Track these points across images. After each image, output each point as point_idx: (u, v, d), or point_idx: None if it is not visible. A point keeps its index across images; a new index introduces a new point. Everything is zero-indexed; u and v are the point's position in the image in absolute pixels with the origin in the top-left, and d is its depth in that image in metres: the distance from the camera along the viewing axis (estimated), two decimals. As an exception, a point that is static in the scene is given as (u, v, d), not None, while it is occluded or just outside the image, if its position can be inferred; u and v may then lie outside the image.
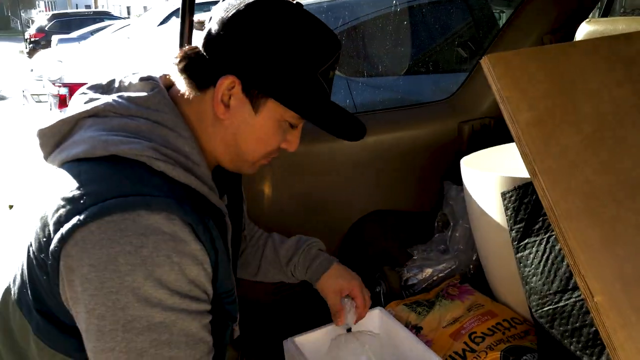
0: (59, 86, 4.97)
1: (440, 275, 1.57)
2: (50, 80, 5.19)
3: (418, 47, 2.93)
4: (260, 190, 1.41)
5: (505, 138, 1.74)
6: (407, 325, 1.39)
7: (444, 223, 1.67)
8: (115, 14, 17.26)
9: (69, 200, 0.73)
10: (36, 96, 7.13)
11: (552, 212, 0.84)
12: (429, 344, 1.29)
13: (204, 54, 0.84)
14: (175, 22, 7.09)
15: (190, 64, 0.84)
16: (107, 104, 0.82)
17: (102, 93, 0.87)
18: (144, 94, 0.84)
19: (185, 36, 1.35)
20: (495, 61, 0.91)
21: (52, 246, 0.71)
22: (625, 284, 0.82)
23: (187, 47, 0.87)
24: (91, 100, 0.84)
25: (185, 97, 0.86)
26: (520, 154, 0.88)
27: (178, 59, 0.85)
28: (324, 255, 1.24)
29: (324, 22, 0.87)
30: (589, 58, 0.95)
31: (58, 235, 0.71)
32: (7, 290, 0.83)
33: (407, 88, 2.80)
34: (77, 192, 0.73)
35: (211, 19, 0.85)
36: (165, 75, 0.91)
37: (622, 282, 0.82)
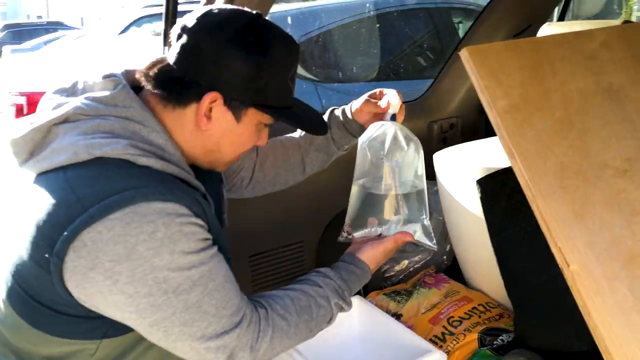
0: (15, 95, 4.82)
1: (416, 266, 1.63)
2: (6, 90, 5.02)
3: (384, 55, 3.03)
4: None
5: (472, 136, 1.84)
6: (387, 313, 1.43)
7: (418, 217, 1.73)
8: (68, 24, 16.84)
9: (65, 205, 0.77)
10: (-10, 106, 6.89)
11: (529, 190, 0.91)
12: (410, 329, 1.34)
13: (178, 70, 0.86)
14: (135, 31, 7.02)
15: (166, 82, 0.87)
16: (76, 108, 0.84)
17: (68, 96, 0.89)
18: (108, 92, 0.86)
19: (168, 43, 1.36)
20: (473, 53, 0.98)
21: (56, 247, 0.75)
22: (596, 254, 0.89)
23: (156, 60, 0.89)
24: (59, 105, 0.86)
25: (161, 107, 0.89)
26: (499, 137, 0.94)
27: (152, 76, 0.87)
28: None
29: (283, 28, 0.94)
30: (557, 52, 1.03)
31: (62, 237, 0.75)
32: None
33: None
34: (71, 197, 0.77)
35: (181, 35, 0.87)
36: (127, 71, 0.93)
37: (594, 253, 0.89)
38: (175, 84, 0.87)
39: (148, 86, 0.88)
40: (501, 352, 1.25)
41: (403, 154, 1.05)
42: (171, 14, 1.36)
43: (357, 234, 1.07)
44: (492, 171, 1.27)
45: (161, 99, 0.88)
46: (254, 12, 0.91)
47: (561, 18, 2.10)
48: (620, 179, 0.96)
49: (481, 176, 1.29)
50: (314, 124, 1.03)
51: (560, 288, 1.08)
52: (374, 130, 1.08)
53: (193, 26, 0.86)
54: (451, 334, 1.33)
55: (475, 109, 2.02)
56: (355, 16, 2.96)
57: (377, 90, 1.17)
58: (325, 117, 1.21)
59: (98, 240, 0.75)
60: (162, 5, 1.38)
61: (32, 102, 4.65)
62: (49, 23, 15.00)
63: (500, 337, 1.29)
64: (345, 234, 1.09)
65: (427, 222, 1.07)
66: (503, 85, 0.97)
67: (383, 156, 1.04)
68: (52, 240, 0.76)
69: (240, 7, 0.92)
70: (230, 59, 0.85)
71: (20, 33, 12.91)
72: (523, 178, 0.92)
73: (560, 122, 0.97)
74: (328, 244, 1.78)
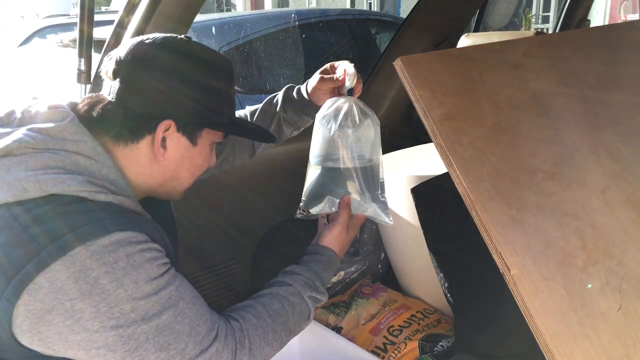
0: None
1: (353, 276, 1.62)
2: None
3: (308, 65, 3.03)
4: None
5: (399, 144, 1.87)
6: (327, 326, 1.41)
7: (352, 227, 1.73)
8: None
9: (16, 245, 0.71)
10: None
11: (468, 197, 0.92)
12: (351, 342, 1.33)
13: (124, 106, 0.84)
14: (39, 43, 6.58)
15: (115, 120, 0.84)
16: (20, 141, 0.77)
17: (3, 126, 0.82)
18: (55, 124, 0.81)
19: (84, 55, 1.27)
20: (407, 63, 0.98)
21: (7, 290, 0.70)
22: (533, 257, 0.92)
23: (93, 101, 0.86)
24: None
25: (111, 144, 0.86)
26: (436, 145, 0.95)
27: (97, 117, 0.84)
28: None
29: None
30: (484, 61, 1.06)
31: (15, 279, 0.70)
32: None
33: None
34: (23, 235, 0.71)
35: (118, 70, 0.85)
36: (72, 103, 0.89)
37: (531, 256, 0.92)
38: (124, 120, 0.84)
39: (95, 127, 0.84)
40: (442, 358, 1.26)
41: (359, 127, 1.04)
42: (87, 26, 1.27)
43: (313, 210, 1.06)
44: (426, 179, 1.28)
45: (111, 137, 0.85)
46: (183, 36, 0.92)
47: (476, 29, 2.20)
48: (550, 182, 1.00)
49: (414, 184, 1.30)
50: (263, 134, 1.04)
51: (498, 291, 1.11)
52: (329, 105, 1.07)
53: (129, 59, 0.84)
54: (392, 343, 1.33)
55: (400, 118, 2.06)
56: (277, 26, 2.94)
57: (327, 65, 1.15)
58: (280, 96, 1.20)
59: (56, 280, 0.70)
60: (66, 15, 1.29)
61: None
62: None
63: (440, 343, 1.30)
64: (300, 211, 1.08)
65: (382, 197, 1.07)
66: (437, 94, 0.98)
67: (338, 130, 1.03)
68: (2, 284, 0.70)
69: (171, 34, 0.91)
70: (177, 84, 0.85)
71: None
72: (461, 185, 0.93)
73: (493, 129, 1.00)
74: (263, 259, 1.73)
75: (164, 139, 0.86)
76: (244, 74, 2.82)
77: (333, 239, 1.03)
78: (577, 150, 1.08)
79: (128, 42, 0.88)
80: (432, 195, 1.23)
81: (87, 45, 1.24)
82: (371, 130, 1.07)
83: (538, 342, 0.88)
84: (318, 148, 1.07)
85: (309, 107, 1.17)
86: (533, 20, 9.09)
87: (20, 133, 0.78)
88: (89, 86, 1.29)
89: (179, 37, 0.91)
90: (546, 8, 9.52)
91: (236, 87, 2.77)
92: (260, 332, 0.87)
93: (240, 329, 0.85)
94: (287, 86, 1.21)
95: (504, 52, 1.11)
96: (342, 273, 1.62)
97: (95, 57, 1.30)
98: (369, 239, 1.65)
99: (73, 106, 0.88)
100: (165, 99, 0.84)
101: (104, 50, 1.28)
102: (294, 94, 1.18)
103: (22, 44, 6.67)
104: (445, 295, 1.22)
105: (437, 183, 1.24)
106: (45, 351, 0.73)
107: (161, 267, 0.78)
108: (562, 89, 1.13)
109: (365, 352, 1.23)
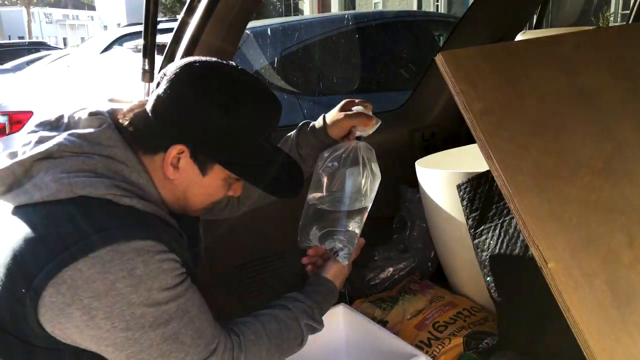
0: (-3, 115, 4.78)
1: (401, 273, 1.63)
2: (-13, 110, 4.97)
3: (365, 67, 3.06)
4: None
5: (454, 143, 1.86)
6: (373, 320, 1.43)
7: (402, 224, 1.74)
8: (51, 45, 16.76)
9: (46, 241, 0.78)
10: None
11: (507, 189, 0.92)
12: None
13: (151, 118, 0.88)
14: (118, 50, 7.02)
15: (139, 130, 0.89)
16: (60, 144, 0.85)
17: (51, 130, 0.90)
18: (92, 130, 0.88)
19: (148, 55, 1.37)
20: (448, 58, 1.00)
21: (35, 282, 0.76)
22: (573, 251, 0.91)
23: (136, 104, 0.92)
24: (42, 139, 0.87)
25: (136, 147, 0.91)
26: (476, 139, 0.96)
27: (129, 120, 0.90)
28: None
29: (264, 83, 0.94)
30: (529, 56, 1.06)
31: (41, 273, 0.76)
32: None
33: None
34: (52, 233, 0.79)
35: (160, 83, 0.89)
36: (113, 110, 0.95)
37: (570, 250, 0.91)
38: (145, 131, 0.89)
39: (126, 132, 0.90)
40: (486, 355, 1.25)
41: (360, 171, 1.08)
42: (151, 28, 1.37)
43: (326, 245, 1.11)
44: (473, 175, 1.28)
45: (135, 142, 0.90)
46: (239, 67, 0.93)
47: (538, 26, 2.15)
48: (596, 178, 0.98)
49: (462, 179, 1.31)
50: (283, 187, 1.00)
51: (540, 288, 1.09)
52: (336, 149, 1.09)
53: (171, 76, 0.88)
54: (437, 338, 1.33)
55: (456, 117, 2.05)
56: (337, 29, 2.99)
57: (345, 102, 1.12)
58: (294, 134, 1.16)
59: (78, 277, 0.76)
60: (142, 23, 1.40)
61: (14, 121, 4.63)
62: (30, 43, 14.91)
63: (485, 341, 1.29)
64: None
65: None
66: (478, 89, 0.99)
67: (338, 171, 1.07)
68: (30, 275, 0.77)
69: (224, 61, 0.92)
70: (201, 114, 0.88)
71: (2, 54, 12.81)
72: (500, 178, 0.93)
73: (535, 124, 0.99)
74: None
75: (177, 160, 0.89)
76: (304, 77, 2.90)
77: (337, 272, 1.08)
78: (628, 145, 1.06)
79: (182, 60, 0.92)
80: (477, 191, 1.23)
81: (150, 48, 1.34)
82: (370, 175, 1.10)
83: (576, 337, 0.87)
84: (315, 187, 1.10)
85: (327, 142, 1.12)
86: (611, 18, 8.61)
87: (61, 137, 0.86)
88: (152, 85, 1.39)
89: (233, 65, 0.92)
90: (626, 5, 8.99)
91: (295, 89, 2.84)
92: (256, 349, 0.93)
93: (239, 343, 0.92)
94: (301, 123, 1.17)
95: (552, 46, 1.09)
96: (391, 269, 1.64)
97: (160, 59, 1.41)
98: (419, 236, 1.66)
99: (112, 112, 0.94)
100: (186, 124, 0.88)
101: (165, 53, 1.38)
102: (309, 129, 1.14)
103: (103, 51, 7.17)
104: (489, 291, 1.21)
105: (483, 179, 1.24)
106: (64, 339, 0.81)
107: (175, 278, 0.83)
108: (614, 83, 1.10)
109: (409, 345, 1.24)
